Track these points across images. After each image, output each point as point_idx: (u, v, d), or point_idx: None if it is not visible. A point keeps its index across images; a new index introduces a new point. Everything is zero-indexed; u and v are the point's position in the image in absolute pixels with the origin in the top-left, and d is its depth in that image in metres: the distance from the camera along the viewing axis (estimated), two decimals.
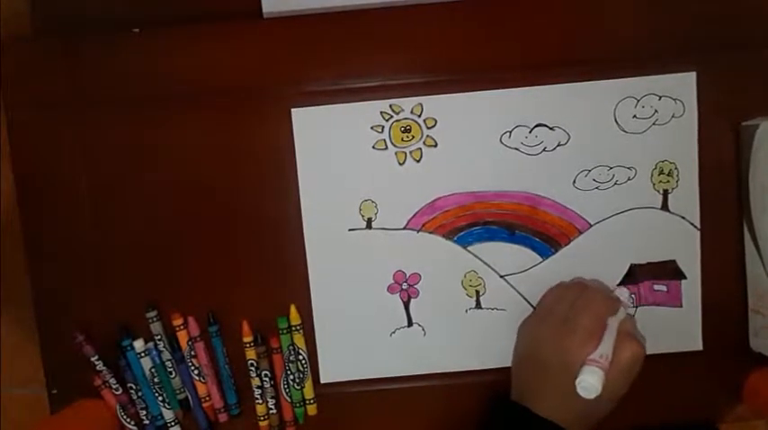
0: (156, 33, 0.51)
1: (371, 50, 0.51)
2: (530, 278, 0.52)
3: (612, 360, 0.44)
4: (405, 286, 0.53)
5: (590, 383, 0.42)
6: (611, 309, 0.46)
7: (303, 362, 0.53)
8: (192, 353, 0.53)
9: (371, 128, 0.51)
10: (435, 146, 0.51)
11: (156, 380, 0.53)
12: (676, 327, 0.52)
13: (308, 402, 0.53)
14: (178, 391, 0.54)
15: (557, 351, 0.45)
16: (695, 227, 0.52)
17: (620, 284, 0.52)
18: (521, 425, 0.46)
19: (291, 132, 0.51)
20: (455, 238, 0.52)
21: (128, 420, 0.53)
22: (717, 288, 0.52)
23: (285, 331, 0.53)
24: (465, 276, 0.52)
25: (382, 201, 0.52)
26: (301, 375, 0.53)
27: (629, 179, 0.51)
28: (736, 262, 0.52)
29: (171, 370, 0.53)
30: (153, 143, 0.51)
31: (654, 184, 0.52)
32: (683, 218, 0.52)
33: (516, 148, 0.51)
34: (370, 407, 0.54)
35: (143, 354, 0.52)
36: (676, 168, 0.51)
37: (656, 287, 0.52)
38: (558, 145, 0.51)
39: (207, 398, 0.53)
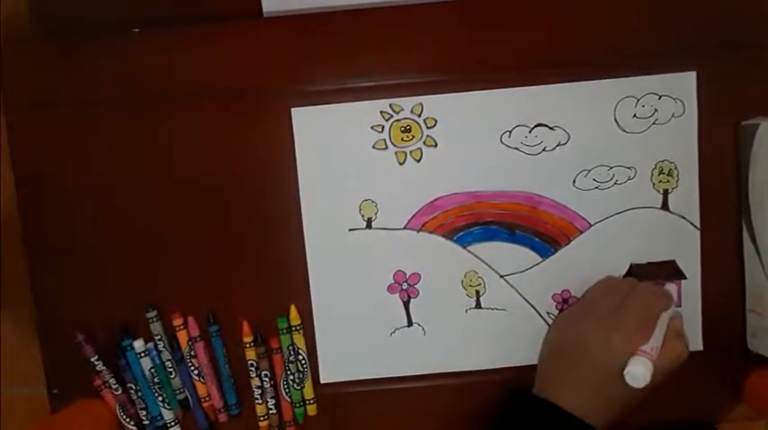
0: (156, 33, 0.51)
1: (371, 50, 0.51)
2: (530, 278, 0.52)
3: (661, 351, 0.44)
4: (405, 286, 0.53)
5: (640, 373, 0.42)
6: (666, 304, 0.46)
7: (303, 362, 0.53)
8: (192, 353, 0.53)
9: (371, 127, 0.51)
10: (435, 145, 0.51)
11: (155, 380, 0.53)
12: None
13: (307, 402, 0.53)
14: (178, 391, 0.54)
15: (603, 344, 0.45)
16: (695, 226, 0.52)
17: None
18: (542, 417, 0.45)
19: (291, 132, 0.51)
20: (455, 238, 0.52)
21: (128, 420, 0.53)
22: (717, 288, 0.52)
23: (285, 331, 0.53)
24: (465, 276, 0.52)
25: (382, 201, 0.52)
26: (301, 375, 0.53)
27: (629, 179, 0.51)
28: (736, 262, 0.52)
29: (171, 370, 0.53)
30: (153, 143, 0.51)
31: (654, 184, 0.52)
32: (683, 217, 0.52)
33: (516, 148, 0.51)
34: (370, 407, 0.54)
35: (143, 354, 0.52)
36: (676, 168, 0.51)
37: None
38: (558, 145, 0.51)
39: (207, 398, 0.53)
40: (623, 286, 0.49)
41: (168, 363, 0.53)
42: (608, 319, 0.46)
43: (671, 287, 0.50)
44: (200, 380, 0.53)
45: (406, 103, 0.51)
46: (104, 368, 0.52)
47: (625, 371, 0.43)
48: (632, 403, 0.45)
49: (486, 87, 0.51)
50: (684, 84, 0.51)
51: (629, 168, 0.51)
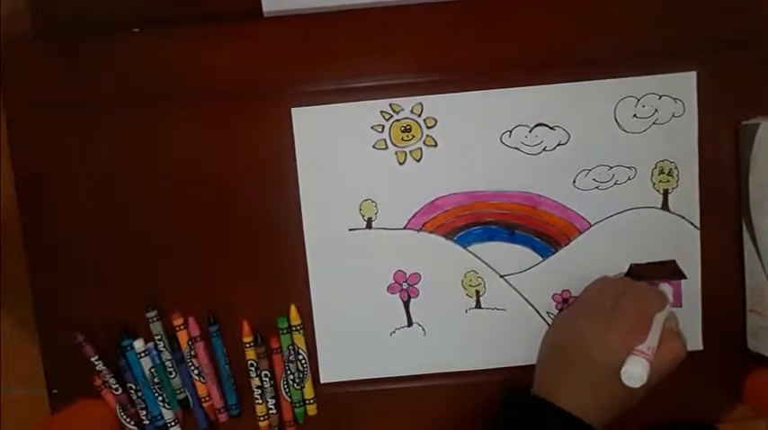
0: (156, 33, 0.51)
1: (371, 50, 0.51)
2: (530, 278, 0.52)
3: (657, 352, 0.44)
4: (405, 286, 0.53)
5: (637, 373, 0.42)
6: (660, 305, 0.46)
7: (303, 362, 0.53)
8: (192, 353, 0.53)
9: (371, 127, 0.51)
10: (435, 145, 0.51)
11: (155, 380, 0.53)
12: None
13: (307, 402, 0.53)
14: (178, 391, 0.54)
15: (599, 343, 0.45)
16: (695, 226, 0.52)
17: None
18: (542, 417, 0.45)
19: (291, 132, 0.51)
20: (455, 238, 0.52)
21: (128, 420, 0.53)
22: (717, 288, 0.52)
23: (285, 331, 0.53)
24: (465, 276, 0.52)
25: (382, 201, 0.52)
26: (301, 375, 0.53)
27: (629, 179, 0.51)
28: (736, 262, 0.52)
29: (171, 370, 0.53)
30: (153, 143, 0.51)
31: (654, 184, 0.52)
32: (683, 217, 0.52)
33: (516, 148, 0.51)
34: (369, 407, 0.54)
35: (143, 354, 0.52)
36: (676, 168, 0.51)
37: None
38: (559, 144, 0.51)
39: (207, 398, 0.53)
40: (618, 285, 0.49)
41: (168, 363, 0.53)
42: (604, 318, 0.46)
43: (665, 288, 0.50)
44: (200, 380, 0.53)
45: (406, 102, 0.51)
46: (104, 368, 0.52)
47: (622, 371, 0.43)
48: (632, 403, 0.45)
49: (486, 87, 0.51)
50: (684, 84, 0.51)
51: (629, 168, 0.51)
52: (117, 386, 0.53)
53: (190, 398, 0.54)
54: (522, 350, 0.52)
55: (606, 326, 0.45)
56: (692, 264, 0.52)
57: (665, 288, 0.50)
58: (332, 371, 0.54)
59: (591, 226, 0.52)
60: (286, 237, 0.52)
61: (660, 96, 0.51)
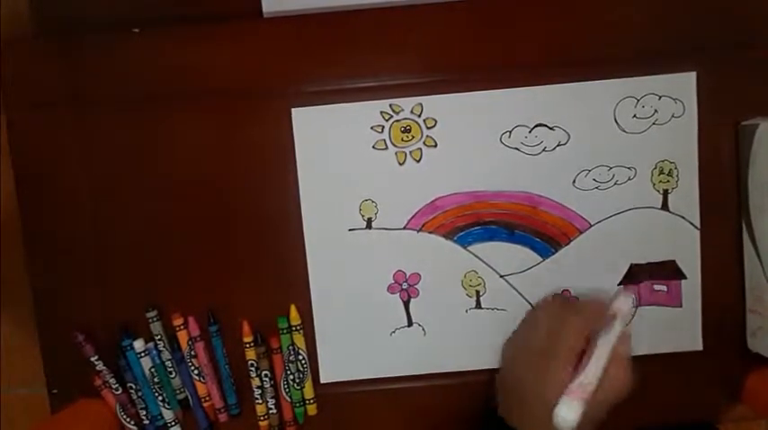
0: (156, 33, 0.51)
1: (371, 50, 0.51)
2: (530, 278, 0.52)
3: (601, 383, 0.42)
4: (405, 286, 0.53)
5: (567, 417, 0.41)
6: (598, 326, 0.45)
7: (303, 362, 0.53)
8: (192, 353, 0.53)
9: (371, 128, 0.51)
10: (435, 146, 0.51)
11: (155, 380, 0.53)
12: (676, 327, 0.52)
13: (307, 402, 0.53)
14: (178, 391, 0.54)
15: (534, 380, 0.44)
16: (695, 227, 0.52)
17: (620, 284, 0.52)
18: None
19: (291, 132, 0.51)
20: (455, 238, 0.52)
21: (128, 420, 0.53)
22: (717, 288, 0.52)
23: (285, 331, 0.53)
24: (465, 276, 0.52)
25: (382, 201, 0.52)
26: (301, 375, 0.53)
27: (629, 179, 0.51)
28: (736, 262, 0.52)
29: (171, 370, 0.53)
30: (153, 143, 0.51)
31: (654, 184, 0.52)
32: (683, 218, 0.52)
33: (516, 148, 0.51)
34: (370, 407, 0.54)
35: (143, 354, 0.52)
36: (676, 168, 0.51)
37: (656, 287, 0.52)
38: (558, 145, 0.51)
39: (207, 398, 0.53)
40: (551, 310, 0.48)
41: (168, 363, 0.53)
42: (537, 355, 0.45)
43: (625, 299, 0.46)
44: (200, 380, 0.53)
45: (406, 103, 0.51)
46: (104, 368, 0.52)
47: (554, 414, 0.41)
48: (590, 426, 0.44)
49: (485, 87, 0.51)
50: (684, 84, 0.51)
51: (629, 168, 0.51)
52: (117, 386, 0.53)
53: (190, 398, 0.54)
54: None
55: (539, 363, 0.44)
56: (691, 264, 0.52)
57: (625, 299, 0.46)
58: (332, 371, 0.54)
59: (591, 226, 0.52)
60: (286, 237, 0.52)
61: (660, 97, 0.51)
